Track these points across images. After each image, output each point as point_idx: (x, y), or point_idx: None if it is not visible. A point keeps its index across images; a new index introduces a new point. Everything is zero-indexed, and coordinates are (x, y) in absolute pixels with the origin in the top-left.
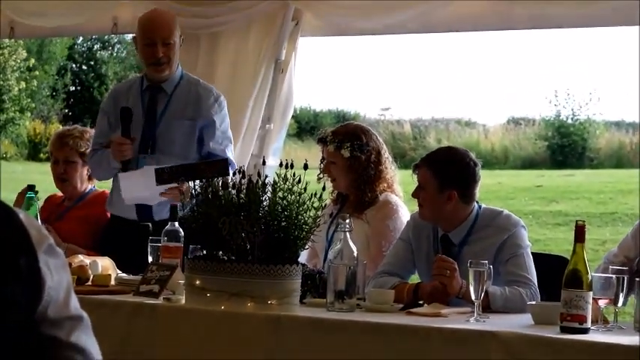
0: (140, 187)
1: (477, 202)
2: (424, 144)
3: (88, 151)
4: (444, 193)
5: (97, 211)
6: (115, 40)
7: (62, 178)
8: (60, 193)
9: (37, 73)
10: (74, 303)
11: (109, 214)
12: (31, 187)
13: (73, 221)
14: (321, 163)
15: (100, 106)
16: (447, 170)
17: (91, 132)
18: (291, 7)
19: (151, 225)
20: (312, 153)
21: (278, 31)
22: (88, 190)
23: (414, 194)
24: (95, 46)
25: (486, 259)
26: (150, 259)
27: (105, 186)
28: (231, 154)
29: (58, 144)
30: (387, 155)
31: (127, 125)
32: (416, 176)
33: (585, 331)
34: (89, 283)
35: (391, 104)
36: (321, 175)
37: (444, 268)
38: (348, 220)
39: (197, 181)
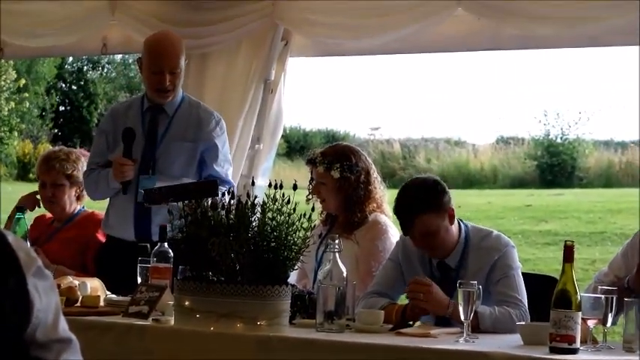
0: None
1: (460, 220)
2: (414, 163)
3: (84, 170)
4: (446, 220)
5: (86, 232)
6: (105, 61)
7: (50, 200)
8: (49, 215)
9: (26, 94)
10: (63, 325)
11: (102, 236)
12: (20, 209)
13: (62, 242)
14: (310, 183)
15: (97, 126)
16: (439, 200)
17: (77, 152)
18: (280, 27)
19: (149, 246)
20: (301, 173)
21: (267, 51)
22: (77, 211)
23: (425, 244)
24: (85, 67)
25: (480, 280)
26: (139, 279)
27: (95, 206)
28: (231, 176)
29: (45, 167)
30: (375, 175)
31: (129, 146)
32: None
33: (574, 351)
34: (78, 304)
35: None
36: (310, 197)
37: (417, 292)
38: (337, 241)
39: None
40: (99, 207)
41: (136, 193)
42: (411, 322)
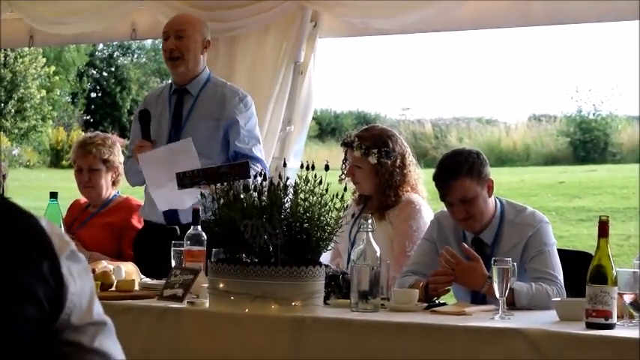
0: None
1: (496, 197)
2: (445, 143)
3: (119, 156)
4: (485, 190)
5: (121, 217)
6: (135, 46)
7: (87, 185)
8: (83, 199)
9: (57, 79)
10: (97, 309)
11: (137, 221)
12: (53, 195)
13: (98, 228)
14: (343, 164)
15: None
16: (480, 167)
17: (112, 138)
18: (309, 8)
19: (178, 228)
20: (333, 154)
21: (296, 33)
22: (112, 196)
23: (464, 212)
24: (116, 53)
25: (515, 257)
26: (173, 263)
27: (129, 192)
28: (259, 153)
29: (81, 152)
30: (411, 158)
31: (146, 128)
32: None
33: (611, 326)
34: (113, 288)
35: (412, 104)
36: (343, 177)
37: (448, 264)
38: (370, 221)
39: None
40: (134, 192)
41: None
42: (436, 299)
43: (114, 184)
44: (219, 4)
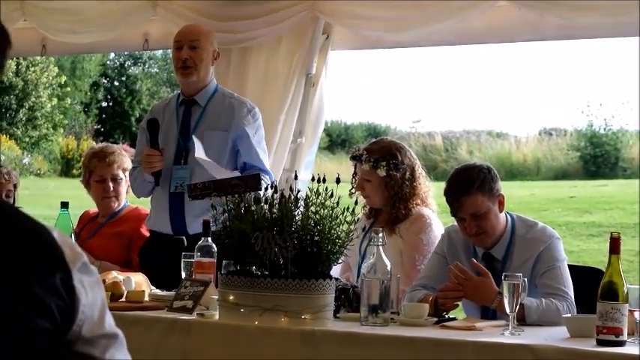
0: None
1: (507, 212)
2: (456, 156)
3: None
4: (496, 205)
5: (130, 226)
6: (147, 56)
7: (110, 195)
8: (93, 210)
9: (68, 89)
10: (109, 321)
11: (146, 231)
12: (64, 204)
13: (107, 238)
14: (353, 178)
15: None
16: (491, 183)
17: (124, 147)
18: (321, 20)
19: (185, 239)
20: (343, 166)
21: (308, 45)
22: (121, 206)
23: (475, 228)
24: (127, 62)
25: (525, 272)
26: (183, 274)
27: (137, 202)
28: (267, 165)
29: (104, 162)
30: (420, 171)
31: (154, 137)
32: (459, 209)
33: (621, 343)
34: (123, 299)
35: (422, 116)
36: (353, 191)
37: (456, 279)
38: (381, 234)
39: (229, 197)
40: (141, 202)
41: (169, 185)
42: (446, 314)
43: (126, 192)
44: (232, 16)
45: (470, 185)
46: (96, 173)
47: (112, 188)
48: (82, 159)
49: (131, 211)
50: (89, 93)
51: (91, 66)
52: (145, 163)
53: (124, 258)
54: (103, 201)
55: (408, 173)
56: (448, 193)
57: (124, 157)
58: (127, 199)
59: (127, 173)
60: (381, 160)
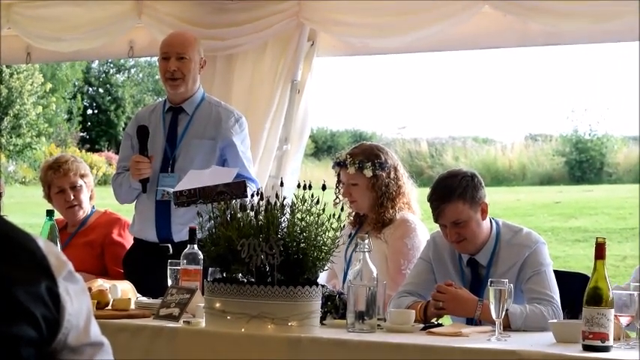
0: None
1: (492, 218)
2: (441, 162)
3: (113, 174)
4: (478, 213)
5: (101, 233)
6: (131, 64)
7: (73, 205)
8: (61, 220)
9: (53, 99)
10: (94, 329)
11: (118, 235)
12: (49, 213)
13: (79, 248)
14: (337, 186)
15: (124, 130)
16: (473, 191)
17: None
18: (306, 27)
19: (170, 246)
20: (329, 172)
21: (294, 51)
22: (89, 213)
23: (456, 235)
24: (111, 70)
25: (511, 278)
26: (169, 282)
27: (105, 205)
28: (253, 173)
29: (60, 173)
30: (402, 171)
31: (144, 143)
32: (440, 216)
33: (607, 348)
34: (109, 307)
35: (408, 123)
36: (338, 200)
37: (438, 300)
38: (367, 241)
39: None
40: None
41: (156, 193)
42: (434, 321)
43: (90, 198)
44: (218, 23)
45: (451, 193)
46: (54, 185)
47: (72, 197)
48: (39, 175)
49: (99, 217)
50: (69, 100)
51: (72, 73)
52: (134, 170)
53: (99, 267)
54: (67, 211)
55: (392, 173)
56: (430, 200)
57: (80, 163)
58: (92, 204)
59: (87, 179)
60: (365, 161)
